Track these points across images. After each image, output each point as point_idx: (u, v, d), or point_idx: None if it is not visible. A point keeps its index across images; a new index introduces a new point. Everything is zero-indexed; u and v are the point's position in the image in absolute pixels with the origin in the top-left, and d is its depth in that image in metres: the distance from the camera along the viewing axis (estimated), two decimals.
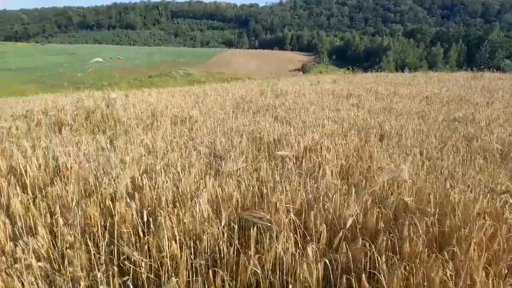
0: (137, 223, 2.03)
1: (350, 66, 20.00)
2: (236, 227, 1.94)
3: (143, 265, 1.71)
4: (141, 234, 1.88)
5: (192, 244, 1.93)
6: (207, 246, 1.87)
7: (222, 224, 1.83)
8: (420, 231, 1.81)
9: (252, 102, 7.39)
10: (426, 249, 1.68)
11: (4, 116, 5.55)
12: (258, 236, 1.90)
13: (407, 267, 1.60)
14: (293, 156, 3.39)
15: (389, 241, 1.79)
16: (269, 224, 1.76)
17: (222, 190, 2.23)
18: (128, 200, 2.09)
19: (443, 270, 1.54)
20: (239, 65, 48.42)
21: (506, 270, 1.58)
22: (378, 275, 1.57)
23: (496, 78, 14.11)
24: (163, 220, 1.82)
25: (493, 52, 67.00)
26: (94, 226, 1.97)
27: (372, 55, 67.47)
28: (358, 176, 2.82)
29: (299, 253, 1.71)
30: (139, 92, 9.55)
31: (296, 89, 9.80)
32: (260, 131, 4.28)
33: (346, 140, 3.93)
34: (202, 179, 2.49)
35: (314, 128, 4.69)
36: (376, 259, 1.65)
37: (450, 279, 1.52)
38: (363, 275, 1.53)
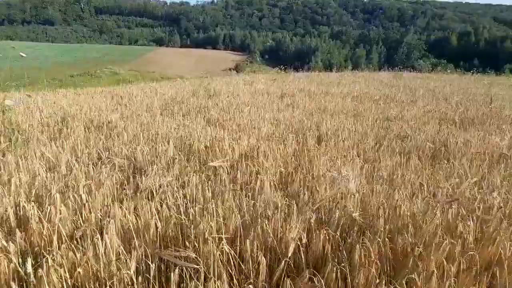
0: (13, 276, 1.50)
1: (282, 66, 20.23)
2: (153, 267, 1.52)
3: None
4: None
5: None
6: None
7: (132, 269, 1.40)
8: (373, 256, 1.56)
9: (183, 103, 6.88)
10: (383, 280, 1.43)
11: None
12: (184, 279, 1.50)
13: None
14: (227, 165, 3.03)
15: (339, 271, 1.51)
16: (195, 266, 1.37)
17: (136, 218, 1.78)
18: (5, 243, 1.55)
19: None
20: (171, 64, 46.72)
21: None
22: None
23: (414, 77, 15.20)
24: (45, 271, 1.33)
25: (409, 53, 73.72)
26: None
27: (302, 56, 70.00)
28: (299, 186, 2.54)
29: None
30: (52, 94, 8.45)
31: (230, 89, 9.46)
32: (190, 137, 3.85)
33: (284, 144, 3.67)
34: (113, 203, 2.01)
35: (249, 131, 4.38)
36: None
37: None
38: None
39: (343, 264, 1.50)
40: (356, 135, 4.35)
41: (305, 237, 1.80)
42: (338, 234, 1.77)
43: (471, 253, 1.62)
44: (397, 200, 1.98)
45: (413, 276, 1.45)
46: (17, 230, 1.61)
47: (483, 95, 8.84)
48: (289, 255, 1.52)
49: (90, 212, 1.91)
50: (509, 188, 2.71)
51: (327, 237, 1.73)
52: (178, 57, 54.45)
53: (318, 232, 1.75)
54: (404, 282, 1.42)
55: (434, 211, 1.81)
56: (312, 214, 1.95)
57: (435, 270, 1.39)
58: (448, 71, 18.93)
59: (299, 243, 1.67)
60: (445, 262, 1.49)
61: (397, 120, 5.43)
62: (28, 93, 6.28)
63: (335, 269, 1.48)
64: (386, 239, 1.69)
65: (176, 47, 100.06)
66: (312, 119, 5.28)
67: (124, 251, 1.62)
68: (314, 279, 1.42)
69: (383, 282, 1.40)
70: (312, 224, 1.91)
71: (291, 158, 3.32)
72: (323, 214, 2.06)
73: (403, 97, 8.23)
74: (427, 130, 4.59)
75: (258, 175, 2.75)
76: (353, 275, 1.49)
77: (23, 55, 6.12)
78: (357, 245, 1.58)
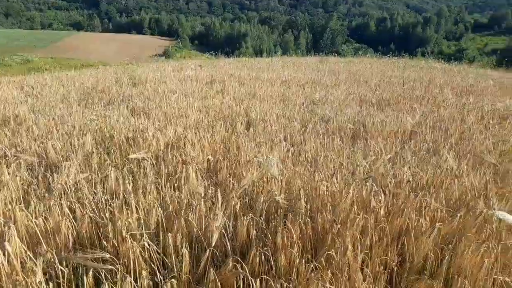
0: None
1: (212, 52, 19.94)
2: (66, 271, 1.40)
3: None
4: None
5: None
6: None
7: (38, 277, 1.27)
8: (295, 237, 1.61)
9: (104, 92, 6.44)
10: (303, 259, 1.48)
11: None
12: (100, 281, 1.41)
13: (285, 287, 1.36)
14: (151, 156, 2.90)
15: (262, 255, 1.53)
16: (109, 267, 1.28)
17: (44, 221, 1.62)
18: None
19: (322, 282, 1.36)
20: (93, 50, 43.27)
21: (381, 267, 1.51)
22: None
23: (338, 61, 16.00)
24: None
25: (333, 39, 77.27)
26: None
27: (233, 41, 69.61)
28: (226, 173, 2.53)
29: None
30: None
31: (157, 76, 9.07)
32: (112, 128, 3.61)
33: (212, 131, 3.62)
34: (18, 206, 1.80)
35: (177, 119, 4.25)
36: (250, 283, 1.36)
37: None
38: None
39: (266, 248, 1.52)
40: (283, 120, 4.46)
41: (231, 224, 1.80)
42: (263, 219, 1.79)
43: (383, 225, 1.76)
44: (317, 181, 2.06)
45: (331, 252, 1.52)
46: None
47: (398, 77, 9.61)
48: (213, 244, 1.51)
49: None
50: (418, 163, 3.00)
51: (252, 223, 1.74)
52: (100, 42, 50.60)
53: (241, 218, 1.76)
54: (323, 260, 1.48)
55: (349, 189, 1.92)
56: (237, 201, 1.95)
57: (349, 245, 1.48)
58: (368, 55, 20.24)
59: (223, 231, 1.66)
60: (359, 236, 1.59)
61: (322, 104, 5.67)
62: None
63: (258, 253, 1.50)
64: (308, 219, 1.75)
65: (97, 32, 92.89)
66: (242, 105, 5.28)
67: (32, 258, 1.47)
68: (238, 266, 1.43)
69: (303, 261, 1.45)
70: (237, 210, 1.91)
71: (220, 146, 3.29)
72: (248, 200, 2.07)
73: (327, 81, 8.61)
74: (348, 112, 4.87)
75: (184, 165, 2.68)
76: (275, 257, 1.53)
77: None
78: (279, 228, 1.61)
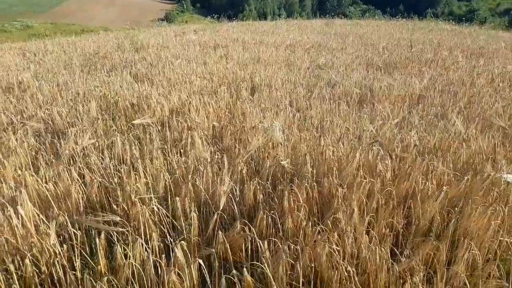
0: None
1: (215, 15, 19.36)
2: (78, 234, 1.44)
3: None
4: None
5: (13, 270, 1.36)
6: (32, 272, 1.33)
7: (51, 239, 1.30)
8: (301, 200, 1.62)
9: (106, 58, 6.34)
10: (309, 222, 1.50)
11: None
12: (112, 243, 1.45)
13: (292, 248, 1.39)
14: (156, 122, 2.90)
15: (269, 218, 1.55)
16: (120, 229, 1.31)
17: (55, 186, 1.64)
18: None
19: (328, 244, 1.38)
20: (93, 15, 42.18)
21: (387, 230, 1.53)
22: (262, 266, 1.31)
23: (344, 24, 15.51)
24: None
25: (340, 0, 74.58)
26: None
27: (235, 4, 67.38)
28: (232, 139, 2.52)
29: (165, 257, 1.33)
30: None
31: (159, 41, 8.88)
32: (116, 94, 3.58)
33: (216, 97, 3.58)
34: (27, 171, 1.83)
35: (180, 85, 4.20)
36: (258, 244, 1.39)
37: (336, 252, 1.37)
38: (245, 270, 1.26)
39: (273, 212, 1.54)
40: (289, 85, 4.39)
41: (238, 189, 1.82)
42: (269, 183, 1.80)
43: (389, 189, 1.76)
44: (323, 146, 2.05)
45: (337, 215, 1.54)
46: None
47: (406, 39, 9.33)
48: (221, 207, 1.53)
49: (1, 183, 1.73)
50: (425, 127, 2.96)
51: (258, 187, 1.76)
52: (100, 6, 49.21)
53: (248, 183, 1.77)
54: (329, 222, 1.50)
55: (355, 153, 1.91)
56: (243, 166, 1.95)
57: (356, 208, 1.50)
58: (376, 17, 19.57)
59: (231, 195, 1.68)
60: (365, 200, 1.60)
61: (328, 68, 5.55)
62: None
63: (265, 216, 1.52)
64: (314, 184, 1.76)
65: None
66: (246, 70, 5.19)
67: (45, 221, 1.50)
68: (246, 229, 1.45)
69: (310, 224, 1.47)
70: (244, 175, 1.92)
71: (225, 112, 3.26)
72: (254, 165, 2.08)
73: (334, 45, 8.39)
74: (354, 77, 4.77)
75: (189, 131, 2.68)
76: (282, 220, 1.55)
77: None
78: (286, 192, 1.62)
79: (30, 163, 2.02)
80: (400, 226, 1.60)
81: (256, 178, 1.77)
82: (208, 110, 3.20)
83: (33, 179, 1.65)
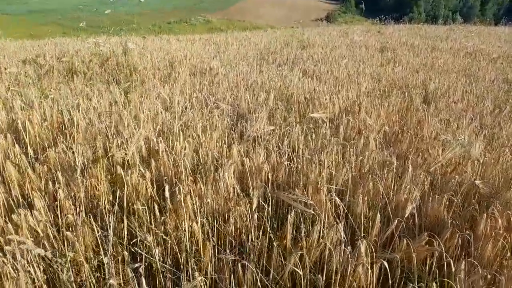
0: (151, 197, 1.73)
1: (380, 16, 18.55)
2: (268, 209, 1.61)
3: (157, 252, 1.42)
4: (157, 213, 1.57)
5: (216, 226, 1.62)
6: (234, 230, 1.56)
7: (254, 206, 1.50)
8: (501, 228, 1.44)
9: (277, 53, 6.83)
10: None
11: (15, 60, 5.23)
12: (296, 222, 1.57)
13: (488, 276, 1.25)
14: (327, 118, 2.98)
15: (459, 238, 1.43)
16: (311, 212, 1.41)
17: (250, 161, 1.88)
18: (142, 169, 1.77)
19: None
20: (262, 13, 46.02)
21: None
22: (453, 284, 1.22)
23: None
24: (182, 198, 1.49)
25: None
26: (101, 200, 1.68)
27: (403, 5, 62.99)
28: (408, 147, 2.41)
29: (349, 250, 1.38)
30: (157, 39, 9.02)
31: (324, 40, 9.06)
32: (288, 87, 3.83)
33: (387, 101, 3.46)
34: (225, 145, 2.14)
35: (348, 85, 4.20)
36: (446, 263, 1.30)
37: None
38: (434, 284, 1.20)
39: (467, 232, 1.41)
40: (471, 97, 3.90)
41: (418, 202, 1.73)
42: (459, 201, 1.65)
43: None
44: None
45: None
46: (152, 160, 1.83)
47: None
48: (406, 215, 1.48)
49: (207, 152, 2.07)
50: None
51: (445, 202, 1.63)
52: (267, 6, 53.17)
53: (433, 196, 1.66)
54: None
55: None
56: (426, 178, 1.84)
57: None
58: None
59: (414, 204, 1.61)
60: None
61: None
62: (144, 35, 6.77)
63: (457, 236, 1.41)
64: None
65: None
66: (417, 76, 4.84)
67: (237, 190, 1.74)
68: (435, 243, 1.37)
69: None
70: (426, 188, 1.82)
71: (396, 117, 3.13)
72: (438, 179, 1.94)
73: None
74: None
75: (361, 132, 2.67)
76: (476, 245, 1.40)
77: (141, 0, 6.54)
78: (484, 215, 1.46)
79: (226, 138, 2.35)
80: None
81: (445, 194, 1.65)
82: (379, 113, 3.12)
83: (235, 151, 1.93)
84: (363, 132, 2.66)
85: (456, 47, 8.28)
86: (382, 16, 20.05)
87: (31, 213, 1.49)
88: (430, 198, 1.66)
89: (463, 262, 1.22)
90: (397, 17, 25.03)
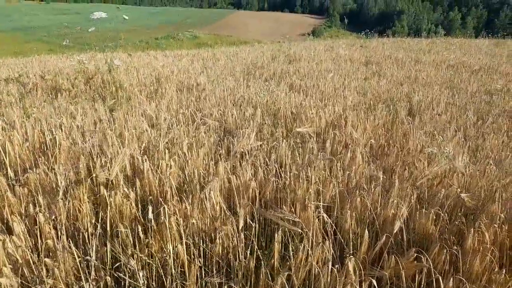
0: (135, 218, 1.69)
1: (363, 30, 18.94)
2: (255, 226, 1.59)
3: (141, 276, 1.38)
4: (141, 235, 1.53)
5: (203, 247, 1.59)
6: (221, 250, 1.53)
7: (241, 226, 1.47)
8: (488, 241, 1.44)
9: (264, 68, 6.88)
10: (502, 269, 1.31)
11: None
12: (286, 243, 1.55)
13: None
14: (313, 133, 2.99)
15: (447, 254, 1.42)
16: (298, 230, 1.39)
17: (236, 178, 1.86)
18: (126, 190, 1.73)
19: None
20: (248, 28, 46.61)
21: None
22: None
23: None
24: (167, 219, 1.46)
25: None
26: (84, 222, 1.63)
27: (385, 19, 64.70)
28: (394, 160, 2.42)
29: (337, 268, 1.36)
30: (144, 55, 9.02)
31: (310, 54, 9.19)
32: (275, 102, 3.85)
33: (373, 114, 3.49)
34: (211, 162, 2.12)
35: (334, 99, 4.24)
36: (435, 279, 1.29)
37: None
38: None
39: (455, 247, 1.41)
40: (454, 109, 3.97)
41: (405, 217, 1.72)
42: (446, 214, 1.66)
43: None
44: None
45: None
46: (137, 180, 1.79)
47: None
48: (395, 231, 1.47)
49: (193, 170, 2.04)
50: None
51: (433, 216, 1.63)
52: (254, 21, 53.94)
53: (421, 210, 1.66)
54: None
55: None
56: (413, 191, 1.85)
57: None
58: None
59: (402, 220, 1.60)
60: None
61: (503, 94, 4.81)
62: (130, 52, 6.77)
63: (445, 251, 1.40)
64: (504, 226, 1.54)
65: (254, 9, 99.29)
66: (401, 89, 4.93)
67: (224, 209, 1.71)
68: (423, 259, 1.36)
69: (503, 271, 1.29)
70: (412, 202, 1.82)
71: (382, 130, 3.16)
72: (425, 192, 1.94)
73: (508, 68, 7.24)
74: None
75: (348, 146, 2.68)
76: (464, 260, 1.40)
77: (126, 17, 6.57)
78: (471, 229, 1.46)
79: (213, 155, 2.33)
80: None
81: (432, 209, 1.65)
82: (365, 127, 3.15)
83: (222, 169, 1.90)
84: (350, 146, 2.67)
85: (438, 59, 8.48)
86: (367, 30, 20.44)
87: (10, 238, 1.44)
88: (418, 212, 1.66)
89: (451, 278, 1.21)
90: (380, 30, 25.64)
